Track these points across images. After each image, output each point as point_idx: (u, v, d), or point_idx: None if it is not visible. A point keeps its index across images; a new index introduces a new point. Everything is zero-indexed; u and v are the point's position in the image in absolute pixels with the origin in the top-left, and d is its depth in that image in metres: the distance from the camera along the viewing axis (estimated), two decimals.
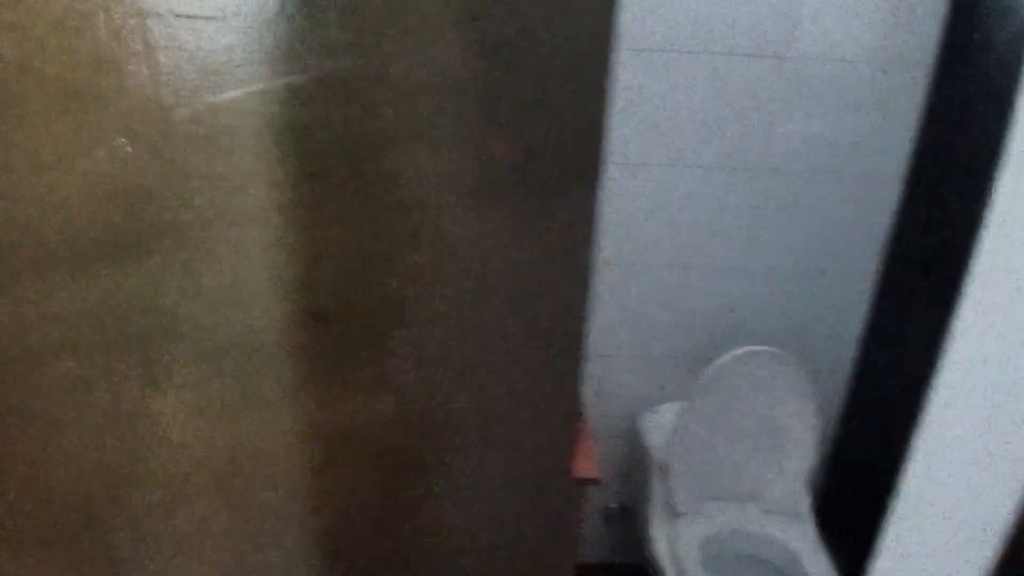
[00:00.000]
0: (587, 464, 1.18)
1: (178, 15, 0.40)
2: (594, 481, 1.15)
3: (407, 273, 0.47)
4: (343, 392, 0.46)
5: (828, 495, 1.81)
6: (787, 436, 1.56)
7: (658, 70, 1.43)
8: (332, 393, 0.45)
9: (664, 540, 1.52)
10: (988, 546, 0.62)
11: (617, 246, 1.57)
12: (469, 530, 0.65)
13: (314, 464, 0.47)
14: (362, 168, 0.44)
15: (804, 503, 1.60)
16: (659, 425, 1.68)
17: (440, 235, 0.47)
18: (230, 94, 0.39)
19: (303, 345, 0.44)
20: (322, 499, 0.47)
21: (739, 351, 1.46)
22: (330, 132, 0.44)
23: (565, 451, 0.64)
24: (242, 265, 0.44)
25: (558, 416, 0.69)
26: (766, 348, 1.46)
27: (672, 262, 1.60)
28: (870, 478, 1.68)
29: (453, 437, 0.56)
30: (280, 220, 0.43)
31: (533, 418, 0.65)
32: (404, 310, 0.49)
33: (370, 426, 0.48)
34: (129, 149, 0.41)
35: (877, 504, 1.75)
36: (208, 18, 0.40)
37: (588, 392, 1.67)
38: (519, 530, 0.69)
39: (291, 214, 0.44)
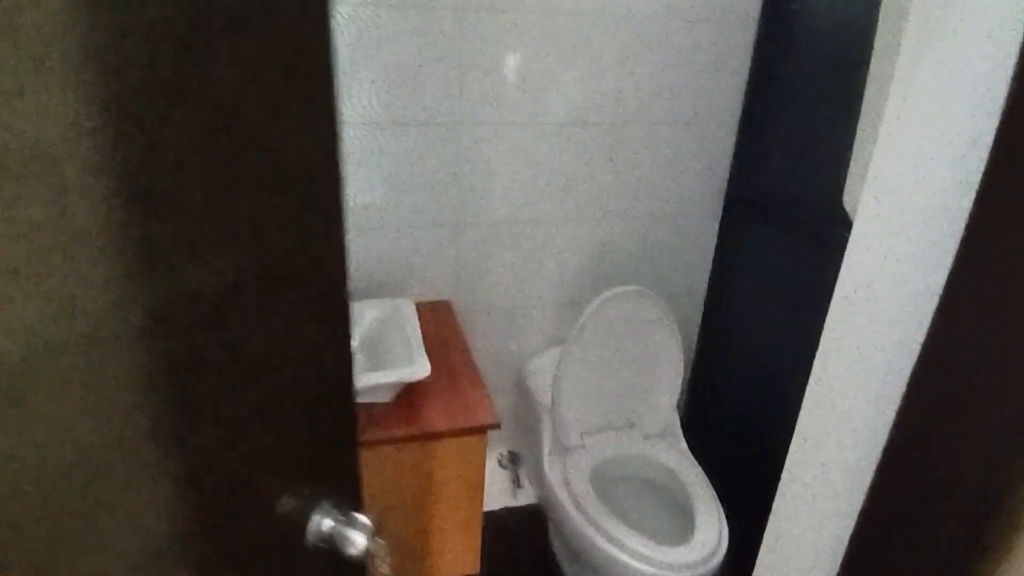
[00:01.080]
0: (486, 412, 1.24)
1: None
2: (495, 426, 1.22)
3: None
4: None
5: (691, 413, 2.02)
6: (657, 366, 1.72)
7: (518, 40, 1.48)
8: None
9: (557, 475, 1.64)
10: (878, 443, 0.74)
11: (481, 206, 1.63)
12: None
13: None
14: None
15: (675, 424, 1.78)
16: (542, 371, 1.79)
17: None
18: None
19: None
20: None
21: (608, 293, 1.58)
22: None
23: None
24: None
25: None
26: (632, 288, 1.59)
27: (536, 217, 1.68)
28: (724, 395, 1.91)
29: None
30: None
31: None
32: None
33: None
34: None
35: (733, 417, 1.96)
36: None
37: (475, 348, 1.74)
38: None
39: None
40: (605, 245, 1.77)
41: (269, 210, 0.54)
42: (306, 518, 0.65)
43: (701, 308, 1.96)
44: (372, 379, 1.18)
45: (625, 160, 1.69)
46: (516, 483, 1.98)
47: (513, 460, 1.98)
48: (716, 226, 1.85)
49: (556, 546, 1.93)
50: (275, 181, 0.54)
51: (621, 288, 1.59)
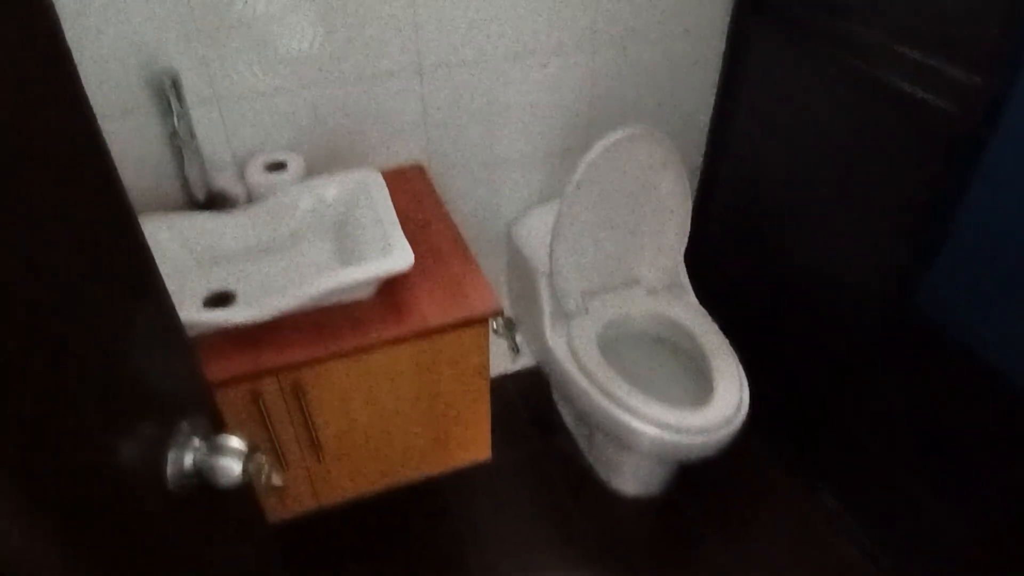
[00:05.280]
0: (485, 298, 1.06)
1: None
2: (498, 313, 1.05)
3: None
4: None
5: (694, 260, 1.87)
6: (661, 215, 1.53)
7: None
8: None
9: (561, 343, 1.51)
10: None
11: (447, 41, 1.32)
12: None
13: None
14: None
15: (682, 275, 1.63)
16: (533, 230, 1.59)
17: None
18: None
19: None
20: None
21: (613, 136, 1.34)
22: None
23: None
24: None
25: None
26: (638, 128, 1.36)
27: (514, 51, 1.39)
28: (730, 236, 1.74)
29: None
30: None
31: None
32: None
33: None
34: None
35: (739, 260, 1.80)
36: None
37: (456, 212, 1.52)
38: None
39: None
40: (594, 81, 1.50)
41: None
42: (159, 461, 0.51)
43: (703, 147, 1.73)
44: (345, 277, 0.97)
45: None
46: (514, 350, 1.86)
47: (508, 326, 1.84)
48: (722, 45, 1.57)
49: (561, 409, 1.86)
50: None
51: (625, 130, 1.35)
